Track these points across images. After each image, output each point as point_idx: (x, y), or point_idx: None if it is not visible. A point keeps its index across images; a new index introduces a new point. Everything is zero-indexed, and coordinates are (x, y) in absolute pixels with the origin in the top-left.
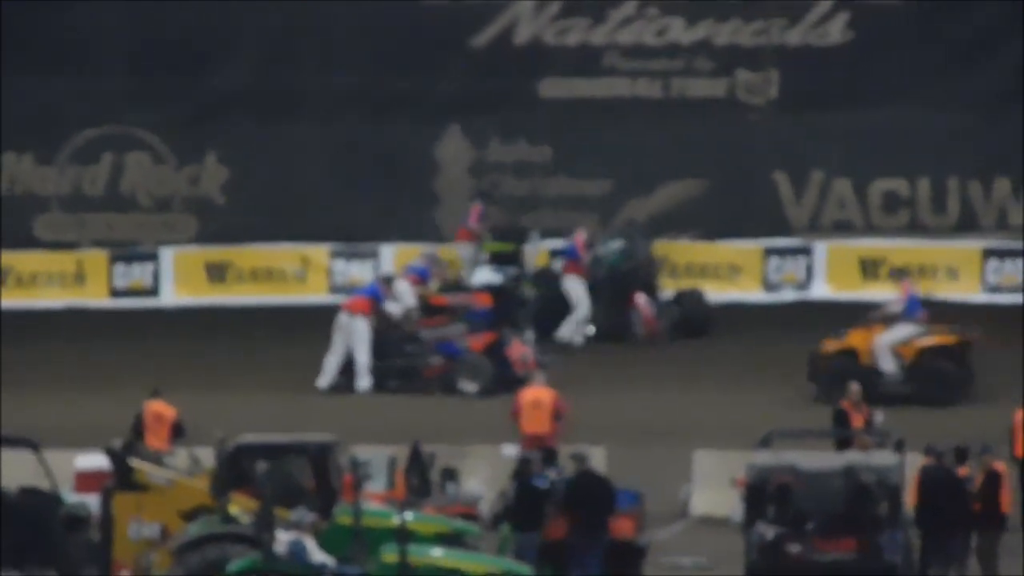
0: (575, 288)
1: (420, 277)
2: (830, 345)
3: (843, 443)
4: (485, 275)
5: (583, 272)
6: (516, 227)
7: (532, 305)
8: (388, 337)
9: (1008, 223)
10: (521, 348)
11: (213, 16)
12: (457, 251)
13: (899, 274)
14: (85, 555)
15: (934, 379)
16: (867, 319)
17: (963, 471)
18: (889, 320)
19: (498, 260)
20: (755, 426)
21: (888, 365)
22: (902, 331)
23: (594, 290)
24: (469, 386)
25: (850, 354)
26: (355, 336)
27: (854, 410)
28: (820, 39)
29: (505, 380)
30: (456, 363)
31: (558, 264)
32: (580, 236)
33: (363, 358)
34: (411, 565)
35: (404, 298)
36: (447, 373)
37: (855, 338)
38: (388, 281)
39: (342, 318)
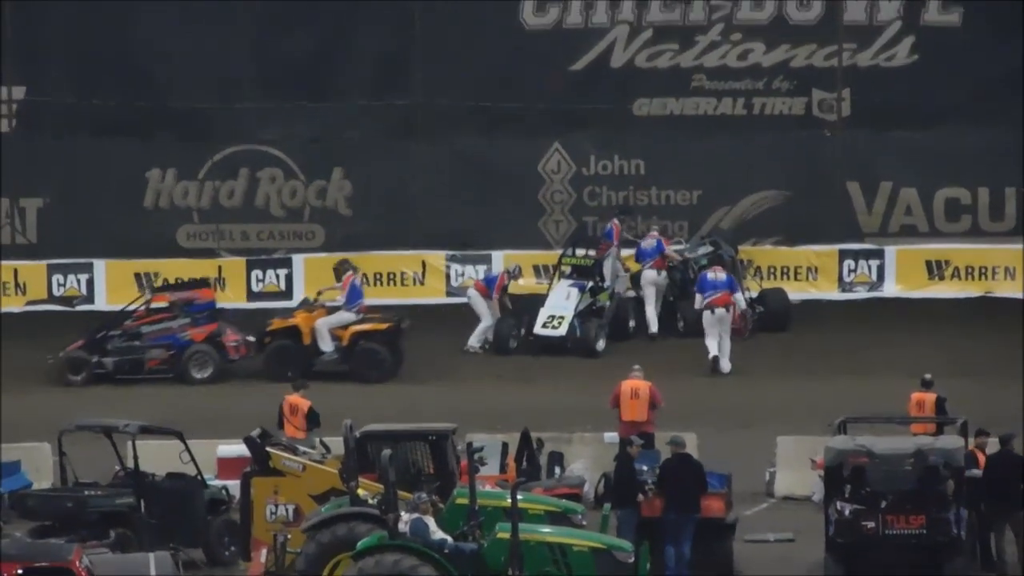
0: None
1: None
2: (277, 323)
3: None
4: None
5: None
6: (594, 239)
7: (608, 312)
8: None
9: None
10: (234, 336)
11: (333, 44)
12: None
13: (345, 267)
14: (226, 534)
15: (366, 359)
16: (309, 303)
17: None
18: (331, 306)
19: (578, 272)
20: (832, 412)
21: (326, 345)
22: (341, 316)
23: (684, 290)
24: (199, 373)
25: (294, 332)
26: None
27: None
28: (887, 61)
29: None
30: (180, 355)
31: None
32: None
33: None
34: (522, 541)
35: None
36: (170, 364)
37: (299, 318)
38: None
39: None
